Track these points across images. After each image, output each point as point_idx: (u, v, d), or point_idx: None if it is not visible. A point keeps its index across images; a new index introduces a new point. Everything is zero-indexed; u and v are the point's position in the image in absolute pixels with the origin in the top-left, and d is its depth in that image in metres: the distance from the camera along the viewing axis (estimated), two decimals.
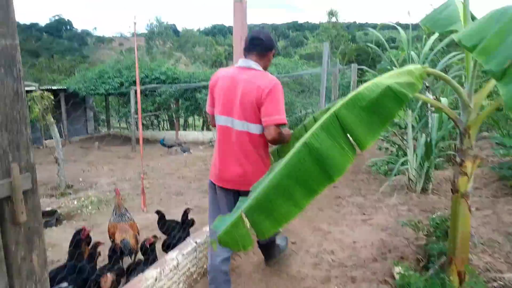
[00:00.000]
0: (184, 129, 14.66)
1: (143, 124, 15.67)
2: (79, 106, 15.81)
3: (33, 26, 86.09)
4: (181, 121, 14.79)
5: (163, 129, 15.33)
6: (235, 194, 2.41)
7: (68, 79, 14.53)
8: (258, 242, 2.83)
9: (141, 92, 13.99)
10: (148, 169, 8.72)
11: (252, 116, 2.27)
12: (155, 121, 15.25)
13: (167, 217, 3.63)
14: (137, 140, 12.57)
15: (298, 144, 1.73)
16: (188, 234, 3.22)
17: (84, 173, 8.36)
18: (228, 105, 2.33)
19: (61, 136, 14.11)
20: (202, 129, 14.33)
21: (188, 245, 2.77)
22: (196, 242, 2.83)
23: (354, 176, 5.93)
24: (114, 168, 8.94)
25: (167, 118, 15.13)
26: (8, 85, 1.21)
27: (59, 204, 5.82)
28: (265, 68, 2.40)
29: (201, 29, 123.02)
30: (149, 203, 5.51)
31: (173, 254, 2.61)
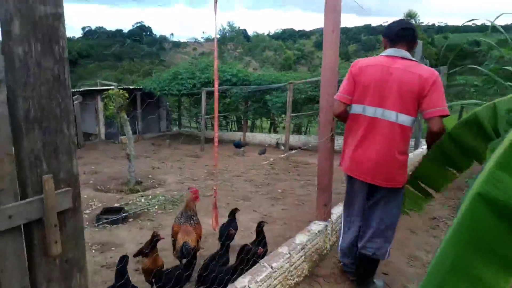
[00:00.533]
0: (251, 131, 14.48)
1: (211, 125, 15.86)
2: (154, 106, 16.52)
3: (118, 32, 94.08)
4: (249, 123, 14.64)
5: (230, 130, 15.33)
6: (371, 188, 2.43)
7: (145, 80, 15.22)
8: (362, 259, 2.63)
9: (212, 93, 14.16)
10: (214, 169, 8.59)
11: (408, 108, 2.20)
12: (223, 122, 15.29)
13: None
14: (206, 140, 12.72)
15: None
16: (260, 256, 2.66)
17: (154, 170, 8.47)
18: (379, 96, 2.26)
19: (134, 133, 14.97)
20: (269, 131, 14.01)
21: (262, 270, 2.34)
22: (271, 267, 2.39)
23: (453, 193, 5.07)
24: (183, 166, 8.95)
25: (235, 120, 15.08)
26: (47, 67, 0.88)
27: (127, 200, 5.83)
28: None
29: (271, 33, 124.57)
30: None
31: (244, 280, 2.19)
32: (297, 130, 13.95)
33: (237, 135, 14.37)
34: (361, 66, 2.35)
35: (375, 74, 2.26)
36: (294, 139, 12.56)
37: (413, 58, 2.27)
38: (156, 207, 5.61)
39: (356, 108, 2.38)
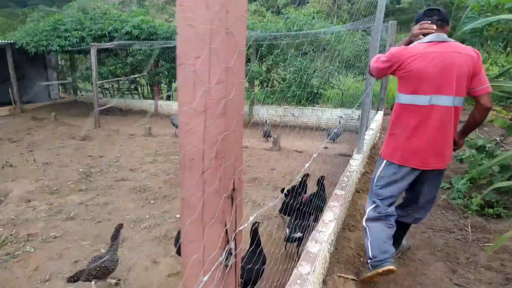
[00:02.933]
0: (168, 99, 11.85)
1: (114, 90, 12.81)
2: (38, 66, 12.85)
3: None
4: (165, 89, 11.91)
5: (140, 97, 12.46)
6: (422, 174, 2.52)
7: (16, 32, 11.40)
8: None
9: (108, 50, 11.00)
10: (98, 162, 6.06)
11: (463, 89, 2.30)
12: (131, 87, 12.33)
13: None
14: (102, 112, 9.88)
15: None
16: None
17: (4, 169, 5.72)
18: (435, 83, 2.30)
19: (8, 102, 11.37)
20: None
21: None
22: None
23: None
24: (53, 160, 6.27)
25: (147, 84, 12.21)
26: None
27: None
28: None
29: None
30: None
31: None
32: None
33: (148, 104, 11.64)
34: (409, 56, 2.33)
35: (429, 64, 2.28)
36: None
37: (452, 40, 2.33)
38: None
39: (405, 98, 2.41)
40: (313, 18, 9.12)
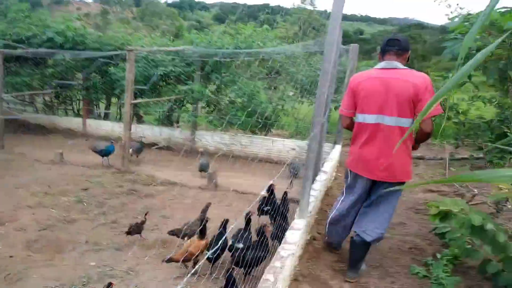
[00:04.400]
0: (97, 117, 10.23)
1: (34, 106, 10.97)
2: None
3: None
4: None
5: (67, 114, 10.70)
6: (374, 184, 2.89)
7: None
8: (354, 242, 3.05)
9: (25, 59, 9.27)
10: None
11: (406, 112, 2.59)
12: (54, 102, 10.56)
13: None
14: (17, 130, 8.10)
15: None
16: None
17: None
18: (378, 104, 2.66)
19: None
20: (118, 118, 9.85)
21: None
22: None
23: None
24: None
25: (78, 99, 10.49)
26: None
27: None
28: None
29: (168, 1, 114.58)
30: None
31: None
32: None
33: (75, 123, 9.93)
34: (359, 81, 2.82)
35: (374, 86, 2.69)
36: (154, 132, 8.80)
37: (403, 67, 2.65)
38: None
39: (358, 117, 2.85)
40: (266, 36, 8.01)
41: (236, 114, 7.33)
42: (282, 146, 7.87)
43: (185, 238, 3.40)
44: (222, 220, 3.35)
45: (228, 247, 3.13)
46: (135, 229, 3.73)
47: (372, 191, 2.94)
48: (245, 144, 8.13)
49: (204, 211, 3.78)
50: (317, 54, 7.84)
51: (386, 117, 2.64)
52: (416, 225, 4.20)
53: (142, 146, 7.34)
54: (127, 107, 6.55)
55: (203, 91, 7.75)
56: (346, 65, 6.95)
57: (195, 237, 3.27)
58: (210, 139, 8.38)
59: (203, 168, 6.41)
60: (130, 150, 7.08)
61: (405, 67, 2.65)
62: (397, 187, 2.72)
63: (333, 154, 6.23)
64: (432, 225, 3.65)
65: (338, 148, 6.90)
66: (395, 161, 2.67)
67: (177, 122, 9.15)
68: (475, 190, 5.14)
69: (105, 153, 7.02)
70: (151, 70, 8.14)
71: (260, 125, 8.05)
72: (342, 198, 3.18)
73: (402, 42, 2.67)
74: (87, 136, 9.45)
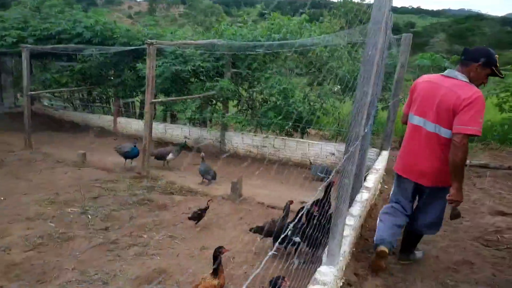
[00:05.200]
0: (132, 115, 9.94)
1: (69, 103, 10.91)
2: None
3: None
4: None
5: (96, 111, 10.49)
6: (416, 186, 2.89)
7: None
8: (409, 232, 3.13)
9: (55, 55, 9.10)
10: None
11: (445, 121, 2.59)
12: (85, 99, 10.40)
13: None
14: (33, 127, 7.93)
15: None
16: None
17: None
18: (424, 108, 2.70)
19: None
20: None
21: None
22: None
23: None
24: None
25: (111, 97, 10.26)
26: None
27: None
28: (473, 80, 2.60)
29: None
30: None
31: None
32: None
33: (105, 120, 9.70)
34: (417, 82, 2.88)
35: (425, 89, 2.73)
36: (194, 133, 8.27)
37: (464, 79, 2.60)
38: None
39: (409, 116, 2.87)
40: (303, 24, 7.10)
41: (267, 114, 6.55)
42: (320, 150, 6.96)
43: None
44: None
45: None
46: (196, 216, 4.02)
47: (419, 196, 3.01)
48: (278, 147, 7.33)
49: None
50: (362, 46, 6.85)
51: (427, 122, 2.69)
52: (489, 267, 3.17)
53: (180, 149, 6.83)
54: (147, 106, 6.01)
55: (232, 88, 7.05)
56: (397, 56, 5.90)
57: (207, 276, 2.59)
58: (240, 141, 7.68)
59: (202, 175, 5.77)
60: (170, 154, 6.58)
61: (464, 79, 2.61)
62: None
63: (379, 163, 5.25)
64: None
65: (385, 155, 5.90)
66: (432, 167, 2.71)
67: (209, 121, 8.55)
68: None
69: (129, 155, 6.58)
70: (179, 66, 7.59)
71: (294, 126, 7.20)
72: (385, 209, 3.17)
73: (469, 52, 2.64)
74: (116, 135, 9.17)
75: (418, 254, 3.22)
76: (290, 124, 6.72)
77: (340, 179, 2.19)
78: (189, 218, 4.07)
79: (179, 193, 5.33)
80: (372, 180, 4.28)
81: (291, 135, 7.55)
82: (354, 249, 3.24)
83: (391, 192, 3.19)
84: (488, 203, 4.85)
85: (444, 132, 2.60)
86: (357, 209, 3.35)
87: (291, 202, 3.59)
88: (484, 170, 6.52)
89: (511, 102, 6.92)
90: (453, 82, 2.59)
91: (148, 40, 6.01)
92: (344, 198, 2.19)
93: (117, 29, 8.42)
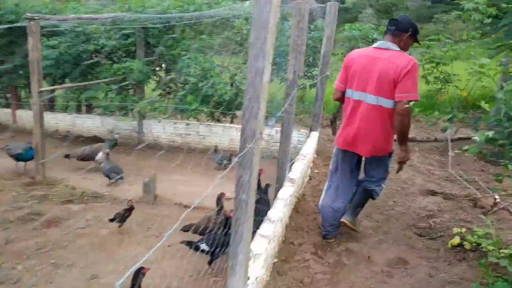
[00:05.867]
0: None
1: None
2: None
3: None
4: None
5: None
6: (359, 157, 3.01)
7: None
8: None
9: None
10: None
11: (386, 92, 2.64)
12: None
13: None
14: None
15: None
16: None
17: None
18: (363, 82, 2.73)
19: None
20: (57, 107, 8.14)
21: None
22: None
23: None
24: None
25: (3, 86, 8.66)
26: None
27: None
28: (402, 49, 2.73)
29: None
30: None
31: None
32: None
33: (4, 114, 8.20)
34: (352, 57, 2.88)
35: (362, 63, 2.76)
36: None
37: (396, 48, 2.69)
38: None
39: (347, 92, 2.90)
40: None
41: (185, 98, 5.79)
42: None
43: None
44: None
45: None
46: (120, 218, 3.49)
47: (361, 160, 3.09)
48: (203, 134, 6.64)
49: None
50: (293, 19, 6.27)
51: (368, 95, 2.72)
52: (424, 265, 2.80)
53: (113, 146, 5.83)
54: (34, 97, 4.93)
55: (145, 70, 6.14)
56: (322, 29, 5.44)
57: None
58: (162, 129, 6.85)
59: (107, 175, 4.95)
60: (100, 154, 5.49)
61: (397, 49, 2.70)
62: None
63: (308, 147, 4.81)
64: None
65: (314, 136, 5.49)
66: (375, 139, 2.77)
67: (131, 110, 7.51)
68: (492, 192, 3.80)
69: (21, 158, 5.44)
70: (81, 46, 6.46)
71: (221, 111, 6.52)
72: (329, 182, 3.19)
73: (400, 23, 2.71)
74: (16, 132, 7.79)
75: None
76: (206, 110, 6.03)
77: (236, 195, 1.58)
78: (111, 220, 3.52)
79: (80, 200, 4.45)
80: (298, 169, 3.79)
81: (218, 121, 6.88)
82: (276, 260, 2.72)
83: (331, 166, 3.21)
84: (418, 182, 4.66)
85: (386, 103, 2.66)
86: (279, 210, 2.82)
87: (223, 194, 3.25)
88: (412, 144, 6.42)
89: (436, 73, 6.88)
90: (388, 53, 2.66)
91: (28, 14, 4.86)
92: (243, 220, 1.59)
93: (1, 4, 6.93)
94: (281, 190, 3.19)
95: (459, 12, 5.96)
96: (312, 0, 4.83)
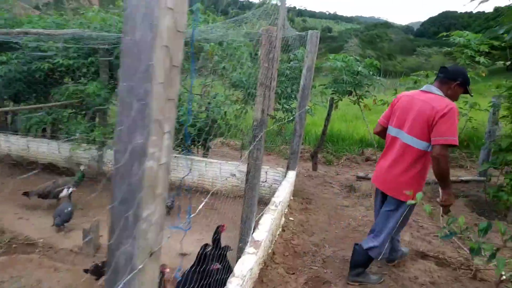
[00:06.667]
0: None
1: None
2: None
3: None
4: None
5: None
6: (384, 195, 2.98)
7: None
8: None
9: None
10: None
11: (419, 133, 2.67)
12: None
13: None
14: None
15: None
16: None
17: None
18: (401, 120, 2.81)
19: None
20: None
21: None
22: None
23: None
24: None
25: None
26: None
27: None
28: (450, 97, 2.70)
29: None
30: None
31: None
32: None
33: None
34: (399, 96, 2.96)
35: (404, 102, 2.84)
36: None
37: (437, 93, 2.71)
38: None
39: (388, 128, 2.98)
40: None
41: None
42: (219, 171, 5.74)
43: None
44: None
45: None
46: (95, 271, 3.08)
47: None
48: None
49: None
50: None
51: (405, 134, 2.77)
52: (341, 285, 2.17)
53: (79, 182, 5.05)
54: None
55: (104, 94, 5.47)
56: (301, 59, 4.93)
57: None
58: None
59: (54, 217, 4.18)
60: (64, 191, 4.67)
61: (439, 94, 2.71)
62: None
63: (282, 191, 4.17)
64: None
65: (291, 176, 4.88)
66: (399, 176, 2.78)
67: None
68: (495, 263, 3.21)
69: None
70: (34, 63, 5.78)
71: (192, 140, 5.85)
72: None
73: (448, 71, 2.76)
74: None
75: (373, 277, 3.08)
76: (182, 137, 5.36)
77: None
78: (85, 271, 3.12)
79: (6, 248, 3.67)
80: (267, 226, 3.14)
81: (188, 151, 6.20)
82: None
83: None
84: (407, 239, 4.05)
85: (417, 143, 2.69)
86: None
87: (223, 227, 3.17)
88: None
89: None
90: (429, 96, 2.70)
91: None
92: None
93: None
94: (239, 261, 2.52)
95: (449, 49, 5.59)
96: (288, 26, 4.35)
